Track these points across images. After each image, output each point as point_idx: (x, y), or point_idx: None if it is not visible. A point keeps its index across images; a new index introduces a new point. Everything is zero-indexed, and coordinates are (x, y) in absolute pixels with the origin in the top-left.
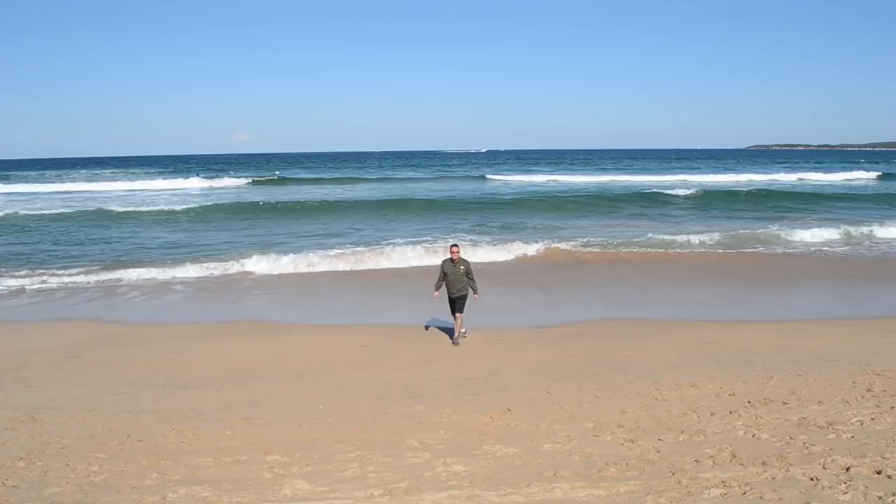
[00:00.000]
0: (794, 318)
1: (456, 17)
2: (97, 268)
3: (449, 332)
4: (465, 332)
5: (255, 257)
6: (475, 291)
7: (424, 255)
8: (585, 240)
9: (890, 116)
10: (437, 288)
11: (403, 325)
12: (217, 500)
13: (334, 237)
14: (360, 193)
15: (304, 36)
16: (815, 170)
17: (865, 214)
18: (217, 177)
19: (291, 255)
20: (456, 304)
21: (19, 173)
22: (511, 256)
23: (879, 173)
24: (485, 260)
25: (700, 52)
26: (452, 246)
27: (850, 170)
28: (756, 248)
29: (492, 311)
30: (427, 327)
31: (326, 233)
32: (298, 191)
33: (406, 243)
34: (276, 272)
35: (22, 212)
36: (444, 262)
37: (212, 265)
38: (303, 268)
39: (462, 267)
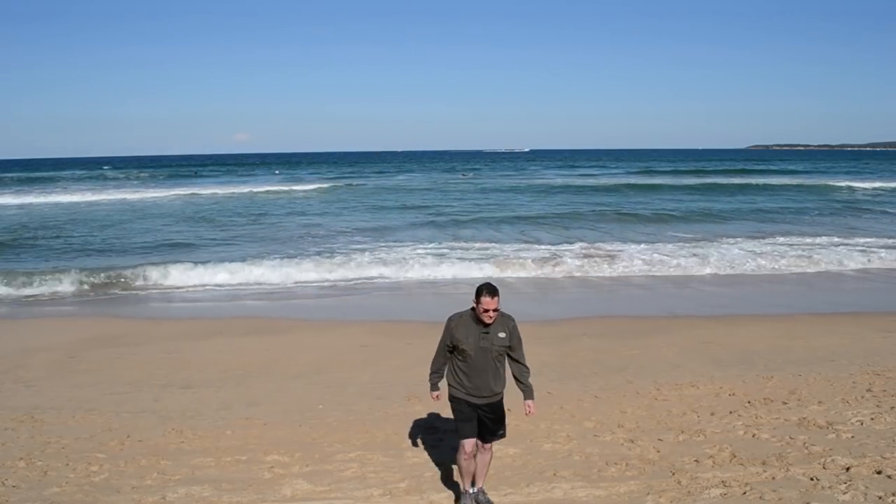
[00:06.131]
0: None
1: (455, 17)
2: None
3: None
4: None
5: None
6: (529, 394)
7: None
8: None
9: (890, 116)
10: (437, 381)
11: (404, 325)
12: (217, 500)
13: None
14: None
15: (306, 35)
16: None
17: None
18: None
19: None
20: (483, 420)
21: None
22: None
23: None
24: None
25: (698, 51)
26: (484, 292)
27: None
28: None
29: None
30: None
31: None
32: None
33: None
34: None
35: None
36: (460, 323)
37: None
38: None
39: (503, 335)
